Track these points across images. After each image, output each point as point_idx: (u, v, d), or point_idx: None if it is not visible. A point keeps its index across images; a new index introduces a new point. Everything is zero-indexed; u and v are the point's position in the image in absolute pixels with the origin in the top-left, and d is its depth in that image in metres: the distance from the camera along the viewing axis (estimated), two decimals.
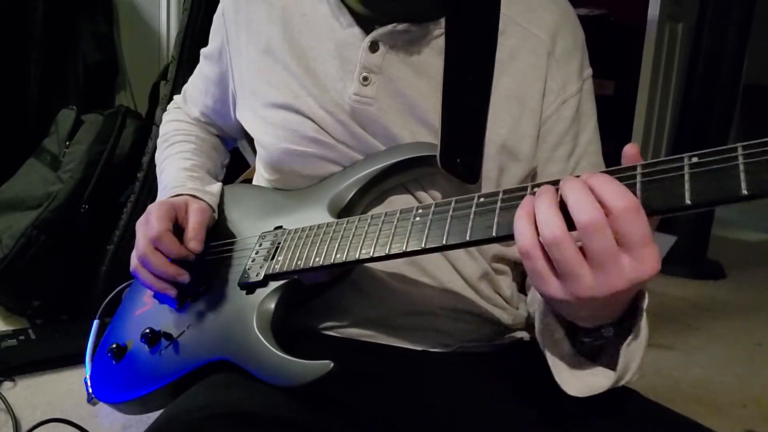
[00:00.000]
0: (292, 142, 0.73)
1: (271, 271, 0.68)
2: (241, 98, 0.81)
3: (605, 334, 0.54)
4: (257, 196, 0.81)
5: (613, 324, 0.54)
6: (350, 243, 0.63)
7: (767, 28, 3.43)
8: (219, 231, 0.79)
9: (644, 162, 0.48)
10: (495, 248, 0.75)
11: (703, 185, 0.44)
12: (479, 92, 0.71)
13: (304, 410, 0.61)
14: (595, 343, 0.56)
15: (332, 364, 0.58)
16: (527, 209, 0.50)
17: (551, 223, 0.47)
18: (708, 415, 1.52)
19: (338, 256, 0.63)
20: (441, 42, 0.71)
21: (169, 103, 1.02)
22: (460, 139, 0.69)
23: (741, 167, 0.43)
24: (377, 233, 0.61)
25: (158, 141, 0.95)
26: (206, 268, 0.75)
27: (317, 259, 0.65)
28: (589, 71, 0.78)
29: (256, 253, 0.72)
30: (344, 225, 0.65)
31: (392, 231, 0.60)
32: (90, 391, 0.80)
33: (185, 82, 0.98)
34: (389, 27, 0.70)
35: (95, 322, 0.88)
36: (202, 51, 0.90)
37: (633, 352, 0.54)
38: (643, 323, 0.54)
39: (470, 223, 0.55)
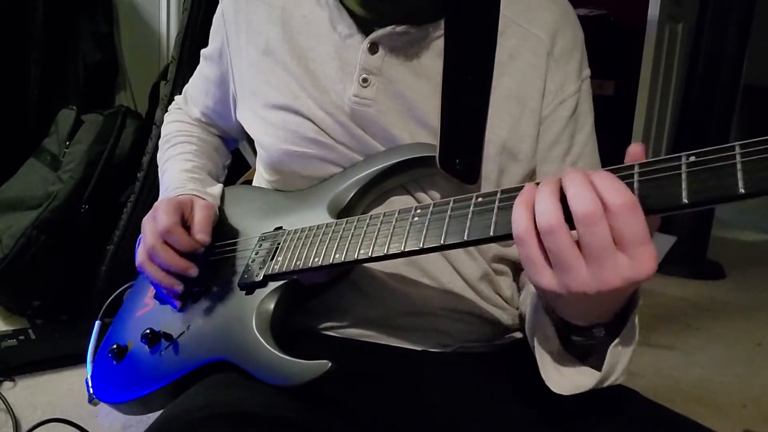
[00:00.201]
0: (292, 143, 0.74)
1: (270, 272, 0.68)
2: (241, 99, 0.81)
3: (596, 334, 0.54)
4: (258, 198, 0.82)
5: (605, 325, 0.54)
6: (349, 243, 0.63)
7: (767, 28, 3.43)
8: (220, 232, 0.79)
9: (641, 161, 0.48)
10: (495, 249, 0.76)
11: (700, 184, 0.44)
12: (478, 93, 0.71)
13: (304, 410, 0.61)
14: (584, 342, 0.56)
15: (330, 364, 0.58)
16: (527, 197, 0.50)
17: (548, 212, 0.47)
18: (708, 415, 1.52)
19: (337, 256, 0.63)
20: (440, 44, 0.71)
21: (169, 103, 1.02)
22: (459, 139, 0.69)
23: (738, 166, 0.43)
24: (376, 233, 0.62)
25: (160, 142, 0.95)
26: (207, 269, 0.75)
27: (316, 260, 0.65)
28: (587, 72, 0.78)
29: (256, 254, 0.72)
30: (343, 225, 0.66)
31: (391, 231, 0.60)
32: (91, 391, 0.80)
33: (185, 82, 0.98)
34: (388, 29, 0.70)
35: (97, 323, 0.89)
36: (202, 52, 0.90)
37: (620, 353, 0.54)
38: (634, 325, 0.54)
39: (468, 223, 0.55)
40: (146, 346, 0.74)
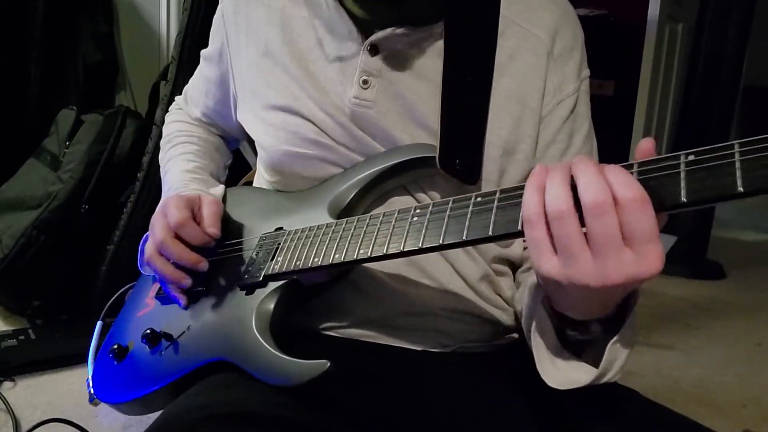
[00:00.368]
0: (292, 144, 0.74)
1: (270, 272, 0.68)
2: (241, 99, 0.82)
3: (593, 329, 0.54)
4: (258, 198, 0.82)
5: (602, 321, 0.54)
6: (348, 243, 0.63)
7: (767, 28, 3.43)
8: (221, 233, 0.79)
9: (640, 160, 0.48)
10: (495, 249, 0.76)
11: (699, 183, 0.44)
12: (479, 93, 0.71)
13: (304, 410, 0.61)
14: (579, 338, 0.56)
15: (329, 364, 0.58)
16: (539, 181, 0.49)
17: (558, 197, 0.47)
18: (708, 415, 1.52)
19: (337, 256, 0.63)
20: (440, 45, 0.71)
21: (169, 103, 1.02)
22: (459, 140, 0.69)
23: (737, 164, 0.43)
24: (375, 233, 0.62)
25: (161, 142, 0.95)
26: (209, 269, 0.75)
27: (316, 260, 0.65)
28: (587, 72, 0.78)
29: (256, 255, 0.72)
30: (343, 225, 0.66)
31: (390, 231, 0.60)
32: (92, 391, 0.80)
33: (185, 82, 0.98)
34: (388, 30, 0.70)
35: (98, 324, 0.89)
36: (203, 52, 0.90)
37: (619, 351, 0.54)
38: (633, 324, 0.54)
39: (467, 223, 0.55)
40: (147, 346, 0.74)
